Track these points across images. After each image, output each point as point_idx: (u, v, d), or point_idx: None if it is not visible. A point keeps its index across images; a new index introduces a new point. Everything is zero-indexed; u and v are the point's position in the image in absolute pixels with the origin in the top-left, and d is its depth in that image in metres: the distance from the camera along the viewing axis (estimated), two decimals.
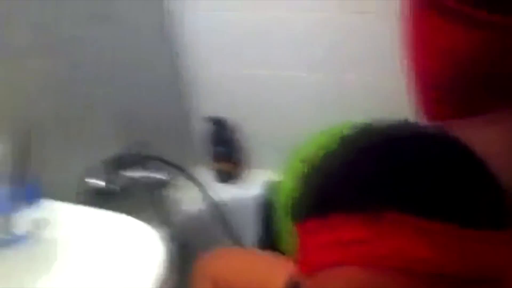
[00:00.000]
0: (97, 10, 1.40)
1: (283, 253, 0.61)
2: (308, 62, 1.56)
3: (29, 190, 1.12)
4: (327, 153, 0.54)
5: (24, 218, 1.08)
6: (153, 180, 1.45)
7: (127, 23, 1.49)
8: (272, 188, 0.65)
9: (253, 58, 1.61)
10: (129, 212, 1.13)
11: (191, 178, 1.53)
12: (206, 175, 1.70)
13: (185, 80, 1.68)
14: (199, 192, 1.55)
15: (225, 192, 1.66)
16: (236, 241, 1.54)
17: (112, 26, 1.45)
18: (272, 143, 1.67)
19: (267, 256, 0.85)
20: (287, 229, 0.56)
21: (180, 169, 1.51)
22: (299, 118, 1.62)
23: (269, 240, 0.78)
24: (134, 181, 1.42)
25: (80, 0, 1.35)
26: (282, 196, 0.57)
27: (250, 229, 1.13)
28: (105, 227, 1.08)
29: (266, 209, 1.07)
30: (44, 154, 1.20)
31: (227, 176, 1.72)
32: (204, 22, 1.60)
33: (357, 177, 0.51)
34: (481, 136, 0.61)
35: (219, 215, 1.57)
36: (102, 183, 1.35)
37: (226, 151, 1.72)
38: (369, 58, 1.48)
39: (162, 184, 1.49)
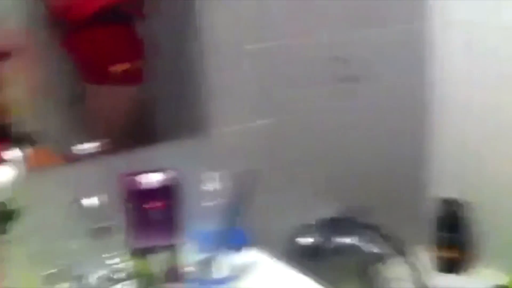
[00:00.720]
0: (352, 72, 1.40)
1: None
2: None
3: (237, 235, 1.12)
4: None
5: (227, 262, 1.08)
6: (365, 250, 1.36)
7: (381, 86, 1.47)
8: None
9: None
10: (333, 278, 1.07)
11: (407, 258, 1.41)
12: (425, 259, 1.55)
13: (426, 157, 1.59)
14: (413, 276, 1.41)
15: (443, 283, 1.49)
16: None
17: (364, 86, 1.43)
18: None
19: None
20: None
21: (397, 246, 1.39)
22: None
23: None
24: (345, 247, 1.35)
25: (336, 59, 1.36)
26: None
27: None
28: None
29: None
30: (260, 202, 1.19)
31: (449, 265, 1.56)
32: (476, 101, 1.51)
33: None
34: None
35: None
36: (311, 243, 1.30)
37: (454, 237, 1.55)
38: None
39: (374, 257, 1.39)
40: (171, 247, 1.02)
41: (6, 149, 0.99)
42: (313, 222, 1.34)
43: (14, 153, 1.02)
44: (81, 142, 1.11)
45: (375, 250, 1.35)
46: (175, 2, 1.19)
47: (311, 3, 1.33)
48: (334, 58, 1.38)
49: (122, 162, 1.08)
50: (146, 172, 1.03)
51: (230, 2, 1.22)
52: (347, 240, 1.35)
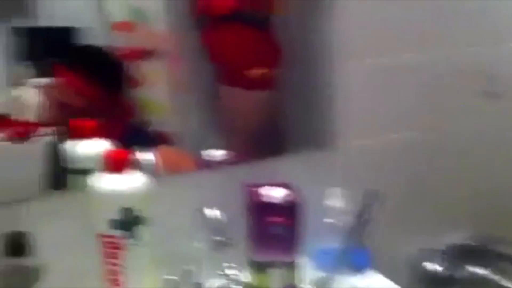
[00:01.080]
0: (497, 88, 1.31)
1: None
2: None
3: (359, 256, 1.08)
4: None
5: (346, 283, 1.05)
6: (498, 284, 1.26)
7: None
8: None
9: None
10: None
11: None
12: None
13: None
14: None
15: None
16: None
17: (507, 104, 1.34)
18: None
19: None
20: None
21: None
22: None
23: None
24: (477, 278, 1.26)
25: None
26: None
27: None
28: None
29: None
30: (385, 222, 1.14)
31: None
32: None
33: None
34: None
35: None
36: (437, 270, 1.23)
37: None
38: None
39: None
40: (290, 263, 1.00)
41: (140, 151, 1.03)
42: (442, 248, 1.27)
43: (147, 156, 1.05)
44: (211, 148, 1.12)
45: (510, 284, 1.25)
46: (308, 5, 1.17)
47: (454, 16, 1.26)
48: (478, 73, 1.29)
49: (247, 172, 1.08)
50: (271, 184, 1.03)
51: (366, 9, 1.17)
52: (479, 270, 1.25)
